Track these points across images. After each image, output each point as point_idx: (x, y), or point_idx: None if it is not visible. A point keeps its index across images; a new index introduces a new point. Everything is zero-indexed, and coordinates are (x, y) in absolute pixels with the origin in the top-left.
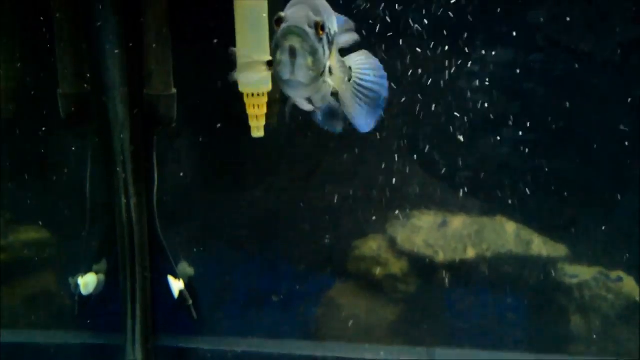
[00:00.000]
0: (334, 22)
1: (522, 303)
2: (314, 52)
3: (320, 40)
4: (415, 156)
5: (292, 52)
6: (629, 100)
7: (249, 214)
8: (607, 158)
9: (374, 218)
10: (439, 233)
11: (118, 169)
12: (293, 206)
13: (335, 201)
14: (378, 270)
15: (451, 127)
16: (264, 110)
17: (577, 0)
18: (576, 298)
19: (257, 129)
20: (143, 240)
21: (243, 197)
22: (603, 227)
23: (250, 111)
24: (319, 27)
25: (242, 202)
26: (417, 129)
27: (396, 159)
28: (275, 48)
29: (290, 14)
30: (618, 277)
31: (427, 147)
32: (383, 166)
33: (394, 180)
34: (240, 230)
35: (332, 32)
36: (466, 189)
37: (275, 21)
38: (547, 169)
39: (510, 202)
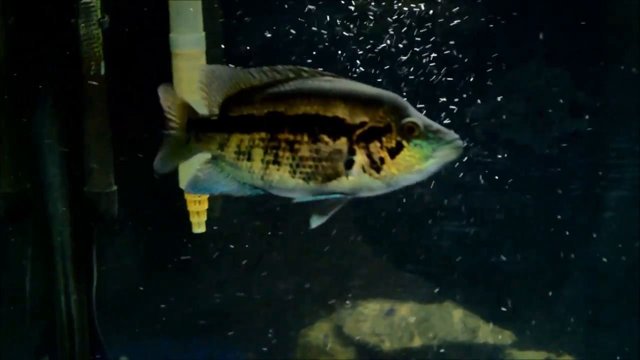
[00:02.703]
0: None
1: None
2: None
3: None
4: (361, 245)
5: None
6: (567, 192)
7: (191, 308)
8: (547, 248)
9: (319, 307)
10: (385, 321)
11: (58, 266)
12: (236, 298)
13: (281, 291)
14: None
15: (396, 219)
16: (205, 205)
17: (516, 96)
18: None
19: (198, 225)
20: (84, 337)
21: (185, 292)
22: (547, 314)
23: (191, 207)
24: None
25: (184, 296)
26: (362, 218)
27: (342, 248)
28: None
29: None
30: None
31: (373, 236)
32: (328, 255)
33: (339, 268)
34: (182, 324)
35: None
36: (412, 278)
37: None
38: (489, 258)
39: (456, 291)
